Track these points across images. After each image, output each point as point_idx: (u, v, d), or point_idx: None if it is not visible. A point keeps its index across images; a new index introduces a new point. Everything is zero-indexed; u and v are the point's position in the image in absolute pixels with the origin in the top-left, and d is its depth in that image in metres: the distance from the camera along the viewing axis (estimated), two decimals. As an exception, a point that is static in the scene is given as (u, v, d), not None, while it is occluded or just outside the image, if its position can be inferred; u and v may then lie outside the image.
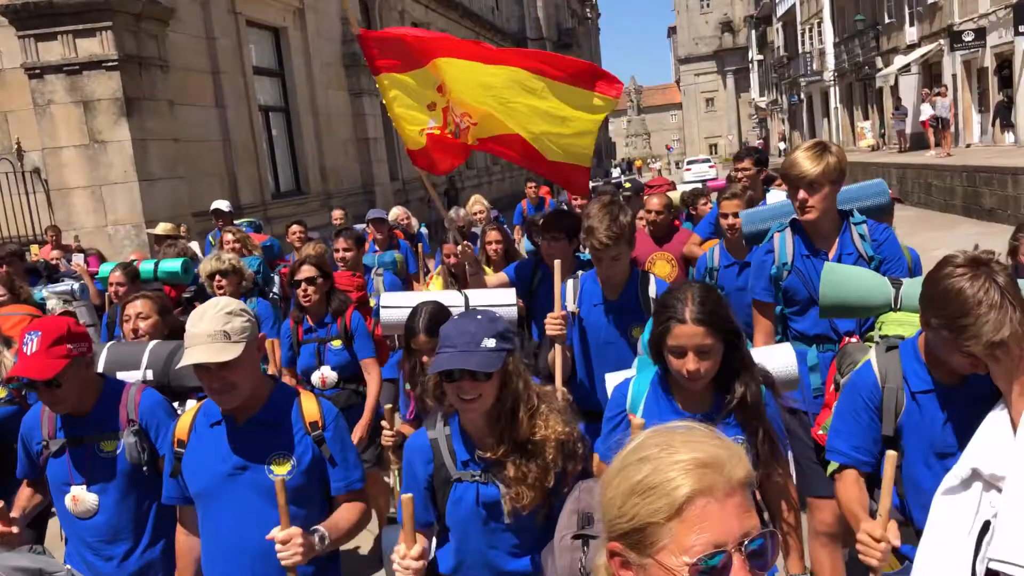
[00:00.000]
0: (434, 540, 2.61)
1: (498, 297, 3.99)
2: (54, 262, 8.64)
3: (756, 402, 2.44)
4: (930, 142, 23.45)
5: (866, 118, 36.06)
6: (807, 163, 3.17)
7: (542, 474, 2.33)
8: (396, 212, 9.48)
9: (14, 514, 2.88)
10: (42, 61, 10.88)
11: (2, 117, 11.44)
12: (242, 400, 2.54)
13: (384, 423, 3.70)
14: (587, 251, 3.79)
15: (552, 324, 3.49)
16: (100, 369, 3.20)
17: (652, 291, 3.60)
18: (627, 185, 8.37)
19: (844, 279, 2.90)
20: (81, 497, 2.91)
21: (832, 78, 40.39)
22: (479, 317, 2.41)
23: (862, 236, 3.32)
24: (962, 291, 2.09)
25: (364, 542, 4.96)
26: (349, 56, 18.97)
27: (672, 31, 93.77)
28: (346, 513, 2.63)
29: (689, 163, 48.65)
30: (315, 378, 4.63)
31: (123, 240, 10.98)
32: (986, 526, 2.06)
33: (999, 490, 2.05)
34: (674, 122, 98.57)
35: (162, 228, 8.76)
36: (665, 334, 2.39)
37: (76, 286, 6.66)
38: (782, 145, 44.59)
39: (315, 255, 5.13)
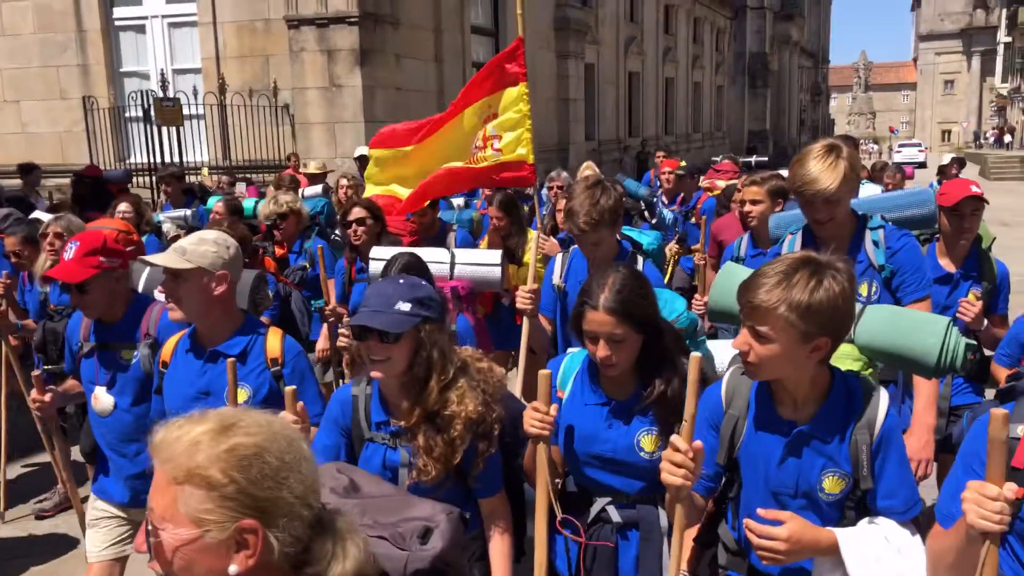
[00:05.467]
0: None
1: (484, 257, 4.04)
2: (218, 187, 9.55)
3: (675, 399, 2.29)
4: None
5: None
6: (825, 177, 2.81)
7: (447, 449, 2.29)
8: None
9: (49, 394, 3.18)
10: (299, 15, 12.97)
11: (265, 60, 13.72)
12: (185, 318, 2.76)
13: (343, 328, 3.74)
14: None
15: (522, 297, 3.46)
16: (140, 288, 3.47)
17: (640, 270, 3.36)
18: (682, 164, 8.22)
19: (735, 287, 2.36)
20: (100, 396, 3.17)
21: (1086, 68, 36.63)
22: (400, 282, 2.40)
23: (876, 243, 3.03)
24: (771, 263, 1.99)
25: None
26: (560, 20, 20.22)
27: (916, 4, 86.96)
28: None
29: (900, 146, 50.54)
30: None
31: (348, 170, 12.99)
32: None
33: None
34: (905, 103, 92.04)
35: (314, 166, 9.71)
36: (579, 318, 2.37)
37: (189, 213, 7.07)
38: (1007, 139, 41.00)
39: (368, 198, 5.13)
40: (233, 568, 1.22)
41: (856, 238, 3.06)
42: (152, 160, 12.80)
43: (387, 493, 1.62)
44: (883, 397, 2.07)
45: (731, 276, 2.67)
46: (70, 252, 3.05)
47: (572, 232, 3.45)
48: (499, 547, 2.42)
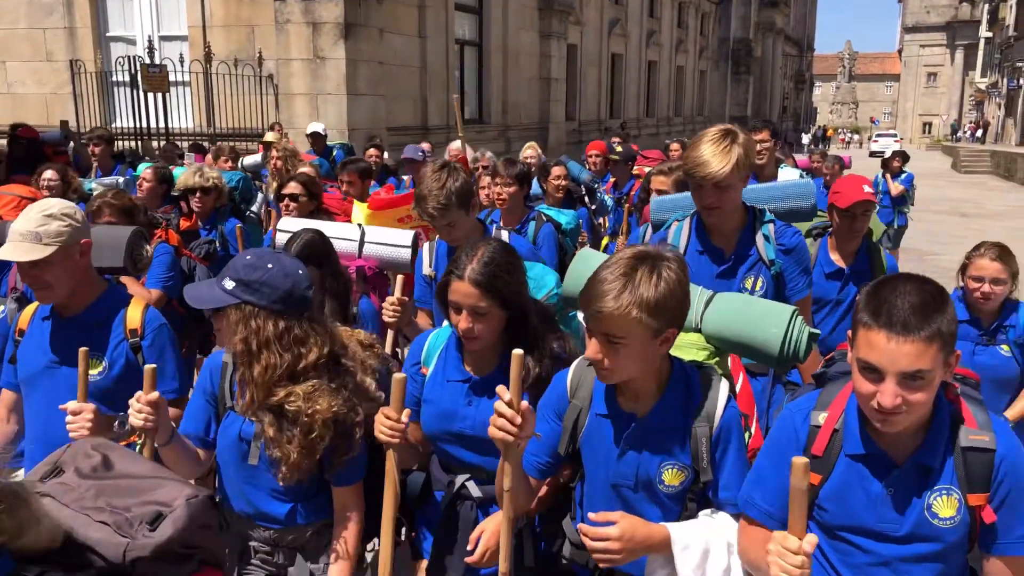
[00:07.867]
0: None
1: (395, 237, 3.88)
2: (162, 154, 9.20)
3: (547, 380, 2.30)
4: None
5: (1089, 113, 33.36)
6: (715, 161, 2.77)
7: (308, 445, 2.22)
8: (454, 148, 7.98)
9: None
10: (300, -14, 13.22)
11: (250, 30, 13.95)
12: (59, 298, 2.62)
13: None
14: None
15: (387, 309, 3.33)
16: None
17: None
18: (618, 149, 8.38)
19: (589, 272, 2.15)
20: None
21: (1061, 66, 37.34)
22: (247, 258, 2.26)
23: (767, 237, 2.99)
24: (604, 265, 1.99)
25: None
26: (544, 0, 20.51)
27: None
28: None
29: (877, 136, 53.86)
30: None
31: (331, 142, 13.29)
32: None
33: None
34: (888, 94, 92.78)
35: (271, 136, 9.47)
36: (445, 287, 2.33)
37: (121, 180, 6.87)
38: (978, 133, 41.80)
39: (306, 174, 5.19)
40: None
41: (747, 231, 3.03)
42: (138, 125, 13.06)
43: (139, 473, 1.56)
44: (723, 388, 2.08)
45: (586, 261, 2.61)
46: None
47: (424, 218, 3.46)
48: (344, 539, 2.35)
